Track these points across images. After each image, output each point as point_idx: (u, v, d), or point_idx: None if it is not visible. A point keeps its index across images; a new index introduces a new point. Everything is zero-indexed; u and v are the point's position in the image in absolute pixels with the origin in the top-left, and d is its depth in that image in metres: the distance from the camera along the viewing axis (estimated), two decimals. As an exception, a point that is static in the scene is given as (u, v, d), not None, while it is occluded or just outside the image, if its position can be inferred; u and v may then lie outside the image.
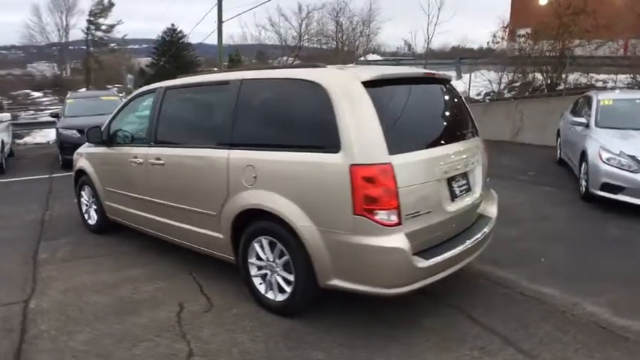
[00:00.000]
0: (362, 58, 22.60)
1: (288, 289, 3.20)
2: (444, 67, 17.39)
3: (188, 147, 3.82)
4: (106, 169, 4.86)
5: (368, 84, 2.89)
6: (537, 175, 8.19)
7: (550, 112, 10.47)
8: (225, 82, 3.60)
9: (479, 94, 14.56)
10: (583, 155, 6.36)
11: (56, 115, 11.19)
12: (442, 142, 3.21)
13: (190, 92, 4.08)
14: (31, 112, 22.21)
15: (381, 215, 2.72)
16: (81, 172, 5.27)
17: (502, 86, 14.06)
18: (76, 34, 42.82)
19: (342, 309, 3.31)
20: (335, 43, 29.56)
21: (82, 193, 5.38)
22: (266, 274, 3.34)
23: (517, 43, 13.43)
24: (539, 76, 13.33)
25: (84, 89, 25.54)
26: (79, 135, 8.86)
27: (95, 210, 5.18)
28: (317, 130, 2.97)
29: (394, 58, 21.29)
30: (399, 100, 3.13)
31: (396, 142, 2.83)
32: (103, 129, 4.84)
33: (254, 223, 3.29)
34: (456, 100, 3.71)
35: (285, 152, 3.09)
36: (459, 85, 15.38)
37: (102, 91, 14.92)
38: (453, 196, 3.18)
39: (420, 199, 2.89)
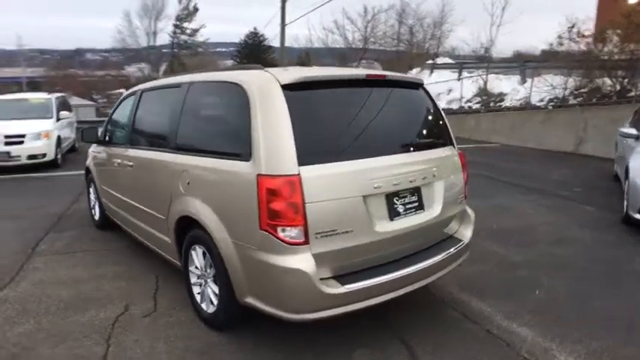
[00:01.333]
0: (430, 61, 21.74)
1: (215, 302, 3.06)
2: (508, 71, 16.21)
3: (149, 149, 3.84)
4: (101, 168, 5.06)
5: (289, 87, 2.67)
6: (584, 191, 7.30)
7: (617, 121, 9.27)
8: (178, 85, 3.56)
9: (541, 100, 13.30)
10: (627, 171, 5.51)
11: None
12: (379, 153, 2.85)
13: (156, 95, 4.10)
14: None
15: (286, 232, 2.49)
16: (88, 170, 5.55)
17: (567, 92, 12.71)
18: (164, 37, 46.14)
19: (279, 331, 3.09)
20: (400, 45, 28.77)
21: (90, 189, 5.65)
22: (202, 284, 3.23)
23: (585, 44, 12.05)
24: (608, 81, 11.85)
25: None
26: None
27: (98, 206, 5.42)
28: (236, 135, 2.80)
29: (458, 61, 20.19)
30: (326, 104, 2.85)
31: (312, 152, 2.58)
32: (102, 129, 5.05)
33: (191, 230, 3.20)
34: (419, 105, 3.35)
35: (210, 158, 2.98)
36: (521, 91, 14.22)
37: None
38: (393, 215, 2.84)
39: (336, 217, 2.59)
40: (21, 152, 8.99)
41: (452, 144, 3.41)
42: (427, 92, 3.42)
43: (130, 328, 3.22)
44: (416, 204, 2.99)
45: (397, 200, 2.88)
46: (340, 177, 2.63)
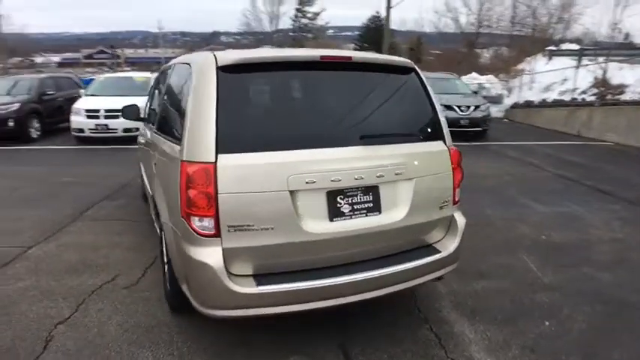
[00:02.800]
0: (551, 48, 19.35)
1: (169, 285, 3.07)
2: (634, 59, 13.70)
3: (150, 129, 3.95)
4: (138, 145, 5.39)
5: (226, 68, 2.50)
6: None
7: None
8: (169, 67, 3.58)
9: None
10: None
11: None
12: (322, 144, 2.53)
13: (161, 75, 4.18)
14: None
15: (198, 222, 2.37)
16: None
17: None
18: (286, 21, 47.91)
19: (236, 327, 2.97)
20: (519, 29, 25.82)
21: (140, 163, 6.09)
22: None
23: None
24: None
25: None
26: (444, 109, 10.38)
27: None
28: (180, 117, 2.72)
29: (581, 47, 17.55)
30: (266, 89, 2.62)
31: (237, 140, 2.41)
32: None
33: (163, 210, 3.24)
34: (400, 93, 2.92)
35: (165, 140, 2.95)
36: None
37: (443, 74, 15.09)
38: (334, 215, 2.54)
39: (254, 211, 2.38)
40: (117, 125, 10.02)
41: (442, 139, 2.94)
42: (420, 78, 2.98)
43: (104, 297, 3.40)
44: (369, 205, 2.64)
45: (342, 199, 2.56)
46: (264, 168, 2.40)
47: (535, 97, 15.87)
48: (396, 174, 2.67)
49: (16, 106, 10.33)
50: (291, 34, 47.66)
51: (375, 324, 3.07)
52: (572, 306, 3.34)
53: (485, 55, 26.98)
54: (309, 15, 48.15)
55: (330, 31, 57.54)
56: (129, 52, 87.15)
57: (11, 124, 10.17)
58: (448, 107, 10.99)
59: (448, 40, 28.28)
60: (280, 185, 2.40)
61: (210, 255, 2.36)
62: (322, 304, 2.51)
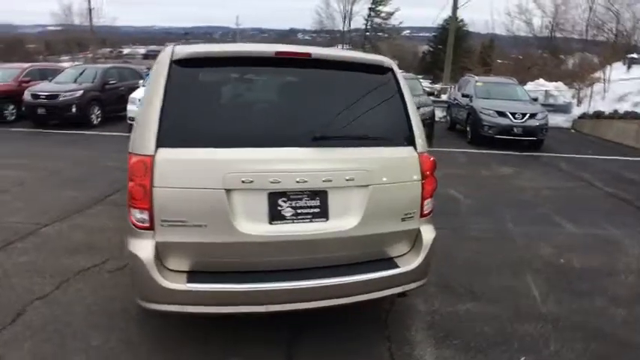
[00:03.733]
0: (633, 55, 17.59)
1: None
2: None
3: None
4: None
5: (180, 62, 2.48)
6: None
7: None
8: None
9: None
10: None
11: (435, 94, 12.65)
12: (266, 144, 2.44)
13: None
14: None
15: (135, 214, 2.38)
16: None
17: None
18: (358, 21, 47.68)
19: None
20: (598, 33, 23.47)
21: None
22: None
23: None
24: None
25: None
26: (497, 116, 10.43)
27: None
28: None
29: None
30: (217, 84, 2.58)
31: (180, 134, 2.39)
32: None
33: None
34: (367, 93, 2.75)
35: None
36: None
37: (501, 78, 14.85)
38: (274, 218, 2.44)
39: (188, 207, 2.35)
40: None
41: (413, 144, 2.72)
42: (396, 78, 2.78)
43: (86, 279, 3.55)
44: (315, 210, 2.51)
45: (284, 202, 2.45)
46: (200, 164, 2.37)
47: (607, 107, 14.48)
48: (347, 180, 2.51)
49: (79, 93, 11.19)
50: (368, 33, 47.38)
51: (334, 332, 2.93)
52: (563, 341, 2.98)
53: (570, 61, 25.06)
54: (382, 14, 47.57)
55: (407, 32, 56.40)
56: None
57: (74, 109, 11.04)
58: (501, 114, 10.38)
59: (519, 43, 26.55)
60: (216, 183, 2.35)
61: (143, 248, 2.37)
62: (257, 308, 2.43)
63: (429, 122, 10.34)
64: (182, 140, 2.39)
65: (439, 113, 14.48)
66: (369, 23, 47.85)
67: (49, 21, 56.25)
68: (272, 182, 2.39)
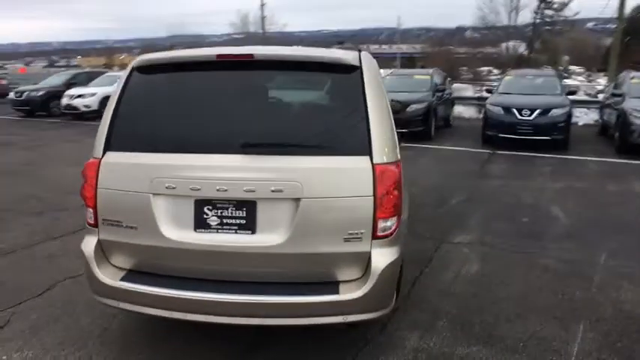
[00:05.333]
0: None
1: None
2: None
3: None
4: None
5: (139, 69, 2.60)
6: None
7: None
8: None
9: None
10: None
11: (490, 91, 11.30)
12: (197, 150, 2.38)
13: None
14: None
15: (86, 212, 2.56)
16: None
17: None
18: (526, 14, 43.09)
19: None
20: None
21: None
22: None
23: None
24: None
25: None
26: (502, 112, 9.29)
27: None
28: None
29: None
30: (165, 89, 2.57)
31: (126, 139, 2.52)
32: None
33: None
34: (322, 96, 2.47)
35: None
36: None
37: (536, 71, 13.94)
38: (199, 225, 2.37)
39: (123, 209, 2.44)
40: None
41: (368, 154, 2.35)
42: (362, 78, 2.44)
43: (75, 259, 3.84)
44: (241, 222, 2.35)
45: (209, 210, 2.36)
46: (133, 168, 2.43)
47: None
48: (273, 191, 2.29)
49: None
50: (547, 27, 42.51)
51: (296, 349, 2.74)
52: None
53: None
54: (555, 5, 41.97)
55: (591, 24, 48.80)
56: (374, 47, 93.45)
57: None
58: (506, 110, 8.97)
59: None
60: (144, 187, 2.39)
61: (88, 243, 2.55)
62: (177, 315, 2.40)
63: (561, 126, 8.84)
64: (125, 144, 2.50)
65: (594, 116, 12.32)
66: (539, 16, 42.68)
67: (232, 30, 64.51)
68: (192, 189, 2.33)
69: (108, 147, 2.51)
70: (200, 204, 2.37)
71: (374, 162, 2.33)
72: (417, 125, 10.22)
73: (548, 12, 42.18)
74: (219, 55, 2.48)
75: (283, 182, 2.30)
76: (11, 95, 16.72)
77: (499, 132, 9.31)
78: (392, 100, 11.45)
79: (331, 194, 2.31)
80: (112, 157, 2.49)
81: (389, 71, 12.91)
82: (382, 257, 2.37)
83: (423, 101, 10.36)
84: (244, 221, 2.36)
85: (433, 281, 3.71)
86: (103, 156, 2.51)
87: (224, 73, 2.54)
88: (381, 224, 2.35)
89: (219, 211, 2.36)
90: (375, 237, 2.35)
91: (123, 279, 2.48)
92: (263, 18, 54.20)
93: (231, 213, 2.36)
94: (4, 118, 15.92)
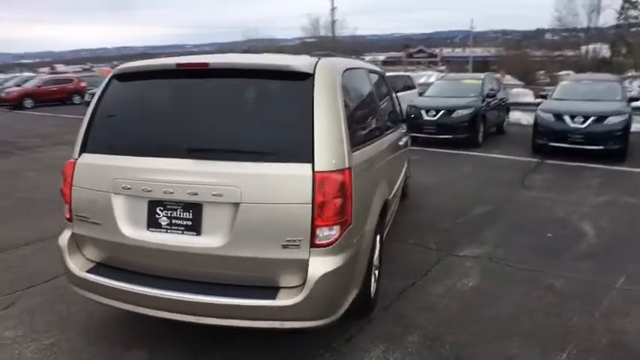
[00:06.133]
0: None
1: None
2: None
3: None
4: None
5: (118, 77, 2.81)
6: None
7: None
8: None
9: None
10: None
11: (545, 97, 10.62)
12: (151, 153, 2.52)
13: None
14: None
15: (65, 208, 2.79)
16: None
17: None
18: (609, 15, 39.65)
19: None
20: None
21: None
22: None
23: None
24: None
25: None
26: (553, 119, 8.70)
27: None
28: None
29: None
30: (132, 97, 2.75)
31: (96, 141, 2.75)
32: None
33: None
34: (271, 102, 2.52)
35: None
36: None
37: (597, 75, 12.74)
38: (151, 225, 2.51)
39: (89, 206, 2.65)
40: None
41: (310, 161, 2.34)
42: (313, 88, 2.45)
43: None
44: (188, 223, 2.45)
45: (161, 210, 2.49)
46: (99, 169, 2.64)
47: None
48: (214, 195, 2.37)
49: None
50: (632, 29, 38.98)
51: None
52: None
53: None
54: (640, 6, 38.24)
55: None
56: (447, 51, 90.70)
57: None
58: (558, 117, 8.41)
59: None
60: (106, 187, 2.58)
61: (63, 236, 2.80)
62: (131, 307, 2.55)
63: (618, 135, 8.05)
64: (96, 147, 2.72)
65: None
66: (623, 17, 39.04)
67: (303, 34, 65.93)
68: (144, 190, 2.48)
69: (84, 149, 2.74)
70: (153, 204, 2.51)
71: (315, 169, 2.33)
72: (462, 132, 9.85)
73: (633, 12, 38.60)
74: (178, 64, 2.62)
75: (223, 187, 2.37)
76: (86, 97, 18.30)
77: (549, 140, 8.68)
78: (409, 105, 11.21)
79: (270, 200, 2.34)
80: (86, 158, 2.71)
81: (439, 75, 12.51)
82: (320, 266, 2.36)
83: (469, 107, 9.95)
84: (190, 223, 2.46)
85: (421, 295, 3.59)
86: (78, 157, 2.74)
87: (183, 81, 2.68)
88: (320, 232, 2.34)
89: (169, 212, 2.49)
90: (313, 245, 2.35)
91: (89, 271, 2.68)
92: (333, 22, 54.86)
93: (180, 214, 2.47)
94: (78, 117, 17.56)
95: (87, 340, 2.95)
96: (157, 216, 2.51)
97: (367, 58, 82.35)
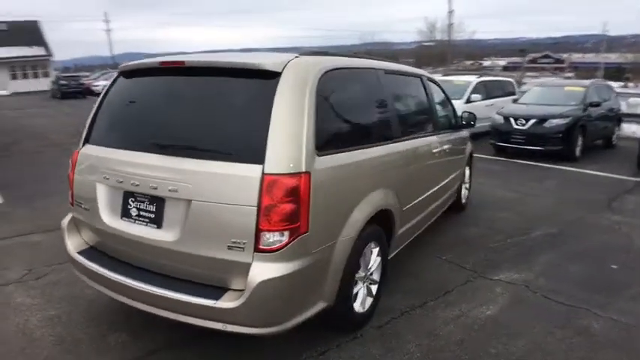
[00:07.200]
0: None
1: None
2: None
3: None
4: None
5: (122, 74, 3.00)
6: None
7: None
8: None
9: None
10: None
11: None
12: (131, 146, 2.65)
13: None
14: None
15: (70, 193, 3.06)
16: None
17: None
18: None
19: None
20: None
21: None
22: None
23: None
24: None
25: None
26: None
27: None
28: None
29: None
30: (129, 92, 2.89)
31: (95, 133, 2.97)
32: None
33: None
34: (234, 101, 2.48)
35: None
36: None
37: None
38: (124, 214, 2.64)
39: (82, 193, 2.86)
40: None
41: (261, 163, 2.25)
42: (276, 87, 2.37)
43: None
44: (151, 215, 2.51)
45: (132, 202, 2.59)
46: (92, 160, 2.84)
47: None
48: (170, 190, 2.40)
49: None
50: None
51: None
52: None
53: None
54: None
55: None
56: (576, 56, 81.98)
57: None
58: None
59: None
60: (94, 176, 2.77)
61: (66, 219, 3.05)
62: (107, 292, 2.70)
63: None
64: (95, 139, 2.94)
65: None
66: None
67: (420, 38, 64.65)
68: (117, 182, 2.62)
69: (87, 140, 2.98)
70: (127, 195, 2.62)
71: (265, 171, 2.25)
72: (555, 143, 8.82)
73: None
74: (161, 63, 2.72)
75: (177, 183, 2.40)
76: None
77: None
78: (497, 113, 10.18)
79: (218, 200, 2.31)
80: (86, 149, 2.94)
81: (538, 81, 11.31)
82: (262, 271, 2.25)
83: (566, 116, 8.87)
84: (154, 215, 2.52)
85: (426, 317, 3.27)
86: (82, 147, 2.98)
87: (165, 79, 2.78)
88: (264, 237, 2.25)
89: (139, 204, 2.58)
90: (257, 249, 2.26)
91: (80, 252, 2.89)
92: (450, 25, 52.98)
93: (146, 207, 2.55)
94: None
95: (84, 316, 3.19)
96: (129, 207, 2.62)
97: (486, 63, 78.02)
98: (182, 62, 2.62)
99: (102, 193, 2.74)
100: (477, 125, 11.44)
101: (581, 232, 5.06)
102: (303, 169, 2.31)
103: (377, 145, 3.06)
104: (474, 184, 6.83)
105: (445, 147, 4.47)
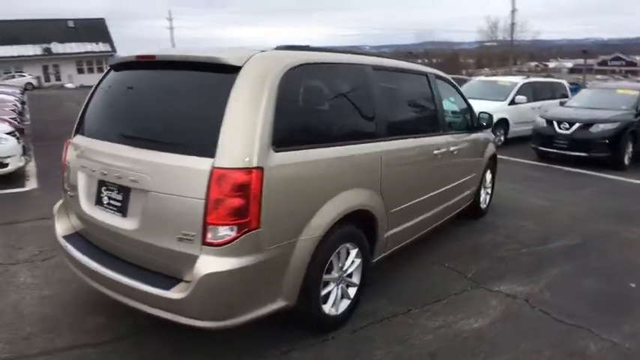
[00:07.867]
0: None
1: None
2: None
3: None
4: None
5: (114, 67, 3.12)
6: None
7: None
8: None
9: None
10: None
11: None
12: (106, 137, 2.76)
13: None
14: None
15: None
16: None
17: None
18: None
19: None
20: None
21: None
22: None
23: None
24: None
25: None
26: None
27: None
28: None
29: None
30: (116, 85, 2.96)
31: (82, 124, 3.11)
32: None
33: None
34: (192, 93, 2.53)
35: None
36: None
37: None
38: (97, 202, 2.74)
39: (69, 179, 3.00)
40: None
41: (212, 156, 2.25)
42: (235, 81, 2.36)
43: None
44: (118, 204, 2.59)
45: (105, 190, 2.68)
46: (77, 149, 2.96)
47: None
48: (131, 180, 2.47)
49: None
50: None
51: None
52: None
53: None
54: None
55: None
56: (645, 59, 75.79)
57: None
58: None
59: None
60: (76, 164, 2.90)
61: (57, 204, 3.21)
62: (84, 278, 2.80)
63: None
64: (82, 129, 3.08)
65: None
66: None
67: (481, 37, 62.38)
68: (91, 170, 2.74)
69: (77, 131, 3.12)
70: (100, 184, 2.72)
71: (214, 165, 2.24)
72: (601, 150, 8.22)
73: None
74: (137, 57, 2.80)
75: (137, 173, 2.45)
76: None
77: None
78: (540, 116, 9.66)
79: (170, 191, 2.34)
80: (76, 139, 3.08)
81: (589, 84, 10.55)
82: (209, 264, 2.25)
83: (614, 121, 8.24)
84: (120, 204, 2.60)
85: (406, 325, 3.14)
86: (73, 137, 3.12)
87: (140, 73, 2.86)
88: (212, 230, 2.24)
89: (110, 193, 2.66)
90: (204, 242, 2.26)
91: (64, 237, 3.03)
92: (512, 25, 50.91)
93: (115, 195, 2.63)
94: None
95: (71, 299, 3.35)
96: (101, 195, 2.72)
97: (552, 64, 73.81)
98: (153, 56, 2.68)
99: (82, 182, 2.86)
100: (521, 129, 10.96)
101: (605, 246, 4.67)
102: (255, 165, 2.28)
103: (350, 144, 2.94)
104: (505, 189, 6.51)
105: (454, 148, 4.26)
